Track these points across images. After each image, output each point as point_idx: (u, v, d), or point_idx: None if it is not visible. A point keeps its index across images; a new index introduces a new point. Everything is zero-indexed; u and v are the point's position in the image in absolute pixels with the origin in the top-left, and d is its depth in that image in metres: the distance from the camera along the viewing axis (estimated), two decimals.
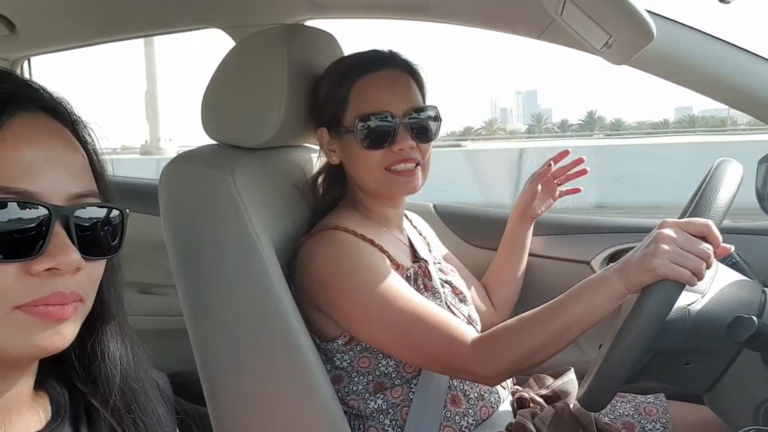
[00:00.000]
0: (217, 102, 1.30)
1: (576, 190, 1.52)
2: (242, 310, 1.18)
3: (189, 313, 1.21)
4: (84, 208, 0.63)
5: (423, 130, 1.26)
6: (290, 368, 1.16)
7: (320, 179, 1.36)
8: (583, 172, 1.49)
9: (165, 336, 1.80)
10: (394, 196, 1.30)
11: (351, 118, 1.23)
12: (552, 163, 1.48)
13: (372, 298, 1.14)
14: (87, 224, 0.63)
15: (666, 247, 0.94)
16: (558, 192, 1.52)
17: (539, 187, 1.49)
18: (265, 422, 1.21)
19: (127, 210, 0.69)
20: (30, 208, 0.58)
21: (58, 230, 0.60)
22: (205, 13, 1.68)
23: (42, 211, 0.59)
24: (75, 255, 0.60)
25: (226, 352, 1.20)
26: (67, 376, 0.72)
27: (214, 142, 1.34)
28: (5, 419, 0.63)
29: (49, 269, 0.58)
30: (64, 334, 0.62)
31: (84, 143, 0.68)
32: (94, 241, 0.64)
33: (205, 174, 1.20)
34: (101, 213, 0.65)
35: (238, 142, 1.30)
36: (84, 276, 0.63)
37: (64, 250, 0.59)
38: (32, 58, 2.05)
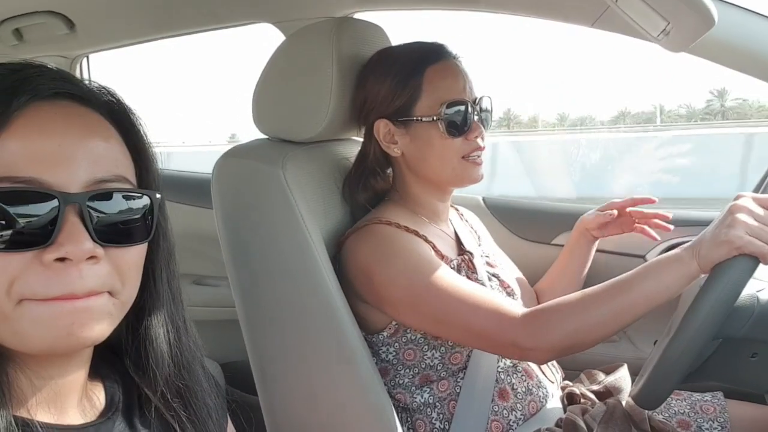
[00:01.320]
0: (268, 96, 1.31)
1: (653, 238, 1.41)
2: (293, 302, 1.19)
3: (241, 304, 1.23)
4: (99, 193, 0.60)
5: (486, 118, 1.27)
6: (339, 360, 1.17)
7: (364, 173, 1.33)
8: (666, 229, 1.40)
9: (218, 326, 1.84)
10: (464, 185, 1.29)
11: (427, 105, 1.22)
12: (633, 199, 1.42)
13: (416, 282, 1.13)
14: (108, 211, 0.61)
15: (743, 217, 0.90)
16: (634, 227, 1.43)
17: (615, 212, 1.42)
18: (314, 413, 1.22)
19: (158, 195, 0.67)
20: (40, 197, 0.57)
21: (70, 218, 0.58)
22: (255, 8, 1.70)
23: (51, 199, 0.57)
24: (87, 243, 0.58)
25: (277, 344, 1.22)
26: (121, 364, 0.73)
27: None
28: (56, 407, 0.63)
29: (60, 259, 0.57)
30: (91, 327, 0.60)
31: (129, 132, 0.67)
32: (117, 228, 0.62)
33: (257, 168, 1.22)
34: (126, 198, 0.63)
35: (288, 136, 1.31)
36: (106, 267, 0.61)
37: (75, 238, 0.57)
38: (91, 56, 2.11)
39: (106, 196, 0.61)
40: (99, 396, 0.70)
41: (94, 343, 0.62)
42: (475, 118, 1.24)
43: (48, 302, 0.57)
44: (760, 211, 0.91)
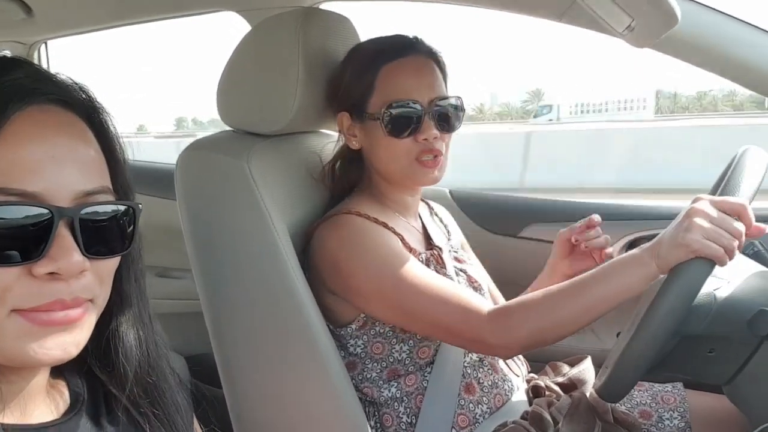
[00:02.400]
0: (233, 88, 1.29)
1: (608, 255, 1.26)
2: (257, 295, 1.18)
3: (205, 297, 1.22)
4: (90, 207, 0.61)
5: (446, 119, 1.24)
6: (305, 354, 1.17)
7: (336, 165, 1.35)
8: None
9: (182, 319, 1.81)
10: (415, 186, 1.29)
11: (376, 104, 1.21)
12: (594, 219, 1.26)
13: (385, 274, 1.13)
14: (95, 223, 0.61)
15: (700, 221, 0.92)
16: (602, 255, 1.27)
17: (574, 240, 1.28)
18: (279, 406, 1.22)
19: (140, 205, 0.67)
20: (32, 210, 0.56)
21: (61, 232, 0.58)
22: None
23: (44, 213, 0.57)
24: (77, 257, 0.58)
25: (242, 337, 1.21)
26: (84, 364, 0.72)
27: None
28: (21, 409, 0.63)
29: (50, 273, 0.57)
30: (71, 343, 0.60)
31: (102, 133, 0.66)
32: (103, 239, 0.62)
33: (221, 161, 1.20)
34: (111, 210, 0.63)
35: (254, 128, 1.29)
36: (90, 277, 0.61)
37: (66, 253, 0.57)
38: (49, 42, 2.06)
39: (97, 207, 0.62)
40: (63, 394, 0.70)
41: (69, 358, 0.62)
42: (427, 118, 1.20)
43: (37, 323, 0.58)
44: (716, 214, 0.93)
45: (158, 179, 2.03)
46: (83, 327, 0.62)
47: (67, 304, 0.59)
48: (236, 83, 1.29)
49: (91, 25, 1.88)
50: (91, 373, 0.72)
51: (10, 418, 0.62)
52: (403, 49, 1.23)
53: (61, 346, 0.59)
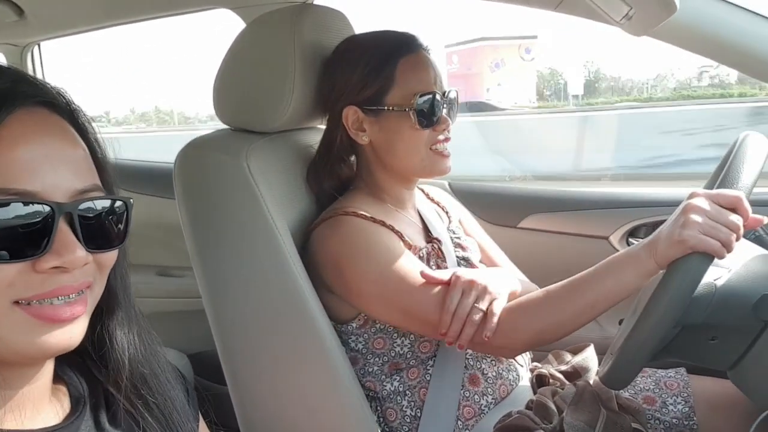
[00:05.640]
0: (229, 86, 1.29)
1: None
2: (259, 293, 1.18)
3: (207, 295, 1.22)
4: (88, 202, 0.62)
5: (453, 110, 1.28)
6: (308, 349, 1.17)
7: (327, 162, 1.31)
8: None
9: (185, 317, 1.82)
10: (431, 176, 1.30)
11: (398, 96, 1.22)
12: None
13: (386, 276, 1.13)
14: (92, 218, 0.63)
15: (696, 217, 0.92)
16: None
17: None
18: (284, 401, 1.22)
19: (131, 200, 0.69)
20: (32, 207, 0.58)
21: (62, 227, 0.59)
22: None
23: (45, 209, 0.58)
24: (80, 252, 0.60)
25: (245, 335, 1.21)
26: (83, 364, 0.73)
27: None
28: (23, 414, 0.64)
29: (55, 267, 0.58)
30: (73, 332, 0.62)
31: (84, 133, 0.67)
32: (100, 233, 0.64)
33: (220, 160, 1.19)
34: (106, 205, 0.65)
35: (251, 126, 1.29)
36: (92, 267, 0.63)
37: (69, 248, 0.59)
38: (42, 44, 2.05)
39: (91, 205, 0.63)
40: (65, 397, 0.70)
41: (73, 346, 0.63)
42: (444, 110, 1.24)
43: (42, 319, 0.59)
44: (712, 209, 0.93)
45: (156, 178, 2.03)
46: (84, 315, 0.63)
47: (72, 288, 0.61)
48: (232, 81, 1.28)
49: (84, 25, 1.86)
50: (91, 374, 0.73)
51: (13, 423, 0.62)
52: (413, 45, 1.25)
53: (66, 335, 0.61)
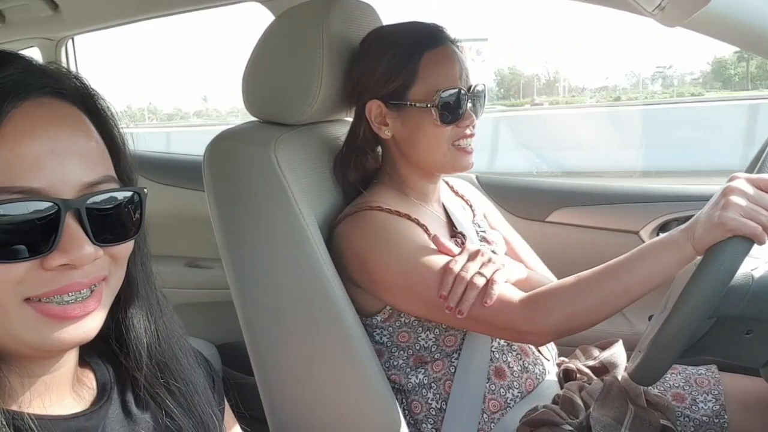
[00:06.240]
0: (258, 79, 1.29)
1: None
2: (287, 283, 1.19)
3: (235, 287, 1.23)
4: (96, 197, 0.61)
5: (479, 105, 1.26)
6: (336, 340, 1.17)
7: (352, 155, 1.31)
8: None
9: (213, 308, 1.84)
10: (453, 172, 1.30)
11: (421, 91, 1.21)
12: None
13: (411, 268, 1.13)
14: (102, 212, 0.61)
15: (737, 199, 0.90)
16: None
17: None
18: (311, 393, 1.23)
19: (145, 190, 0.67)
20: (39, 206, 0.57)
21: (70, 224, 0.58)
22: None
23: (50, 206, 0.57)
24: (89, 248, 0.59)
25: (273, 326, 1.22)
26: (108, 350, 0.73)
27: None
28: (50, 400, 0.64)
29: (63, 264, 0.58)
30: (86, 327, 0.61)
31: (100, 120, 0.66)
32: (112, 227, 0.63)
33: (248, 151, 1.20)
34: (118, 197, 0.64)
35: (279, 118, 1.29)
36: (105, 261, 0.62)
37: (77, 245, 0.58)
38: (75, 37, 2.08)
39: (100, 198, 0.61)
40: (91, 383, 0.71)
41: (87, 340, 0.63)
42: (468, 106, 1.22)
43: (52, 317, 0.59)
44: (753, 192, 0.91)
45: (185, 170, 2.05)
46: (100, 309, 0.63)
47: (83, 284, 0.60)
48: (260, 74, 1.29)
49: (116, 19, 1.89)
50: (117, 360, 0.73)
51: (39, 409, 0.62)
52: (439, 38, 1.23)
53: (80, 331, 0.61)
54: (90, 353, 0.72)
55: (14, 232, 0.56)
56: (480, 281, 1.07)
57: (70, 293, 0.59)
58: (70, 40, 2.07)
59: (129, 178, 0.68)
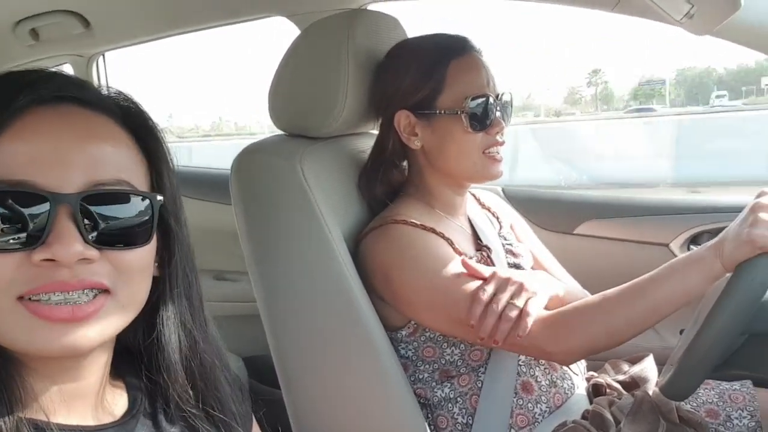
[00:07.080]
0: (284, 92, 1.31)
1: None
2: (314, 297, 1.19)
3: (262, 300, 1.23)
4: (95, 196, 0.59)
5: (507, 113, 1.25)
6: (362, 355, 1.17)
7: (380, 168, 1.31)
8: None
9: (240, 321, 1.85)
10: (483, 181, 1.29)
11: (449, 99, 1.21)
12: None
13: (436, 285, 1.12)
14: (103, 212, 0.60)
15: (765, 216, 0.89)
16: None
17: None
18: (338, 407, 1.22)
19: (159, 197, 0.65)
20: (31, 198, 0.57)
21: (61, 219, 0.57)
22: (269, 1, 1.69)
23: (43, 201, 0.57)
24: (76, 246, 0.57)
25: (299, 339, 1.22)
26: (139, 362, 0.72)
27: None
28: (69, 410, 0.63)
29: (47, 260, 0.57)
30: (78, 336, 0.59)
31: (141, 135, 0.66)
32: (115, 230, 0.61)
33: (275, 164, 1.21)
34: (125, 201, 0.62)
35: (305, 131, 1.30)
36: (106, 266, 0.60)
37: (65, 241, 0.56)
38: (106, 54, 2.12)
39: (103, 198, 0.60)
40: (119, 399, 0.70)
41: (89, 350, 0.61)
42: (497, 113, 1.22)
43: (38, 316, 0.57)
44: None
45: (212, 183, 2.07)
46: (99, 321, 0.60)
47: (70, 285, 0.58)
48: (286, 87, 1.30)
49: (146, 35, 1.93)
50: (150, 378, 0.72)
51: (65, 419, 0.62)
52: (465, 46, 1.24)
53: (69, 338, 0.58)
54: (124, 371, 0.72)
55: (6, 223, 0.56)
56: (513, 313, 1.05)
57: (57, 293, 0.57)
58: (101, 57, 2.11)
59: (158, 190, 0.67)
